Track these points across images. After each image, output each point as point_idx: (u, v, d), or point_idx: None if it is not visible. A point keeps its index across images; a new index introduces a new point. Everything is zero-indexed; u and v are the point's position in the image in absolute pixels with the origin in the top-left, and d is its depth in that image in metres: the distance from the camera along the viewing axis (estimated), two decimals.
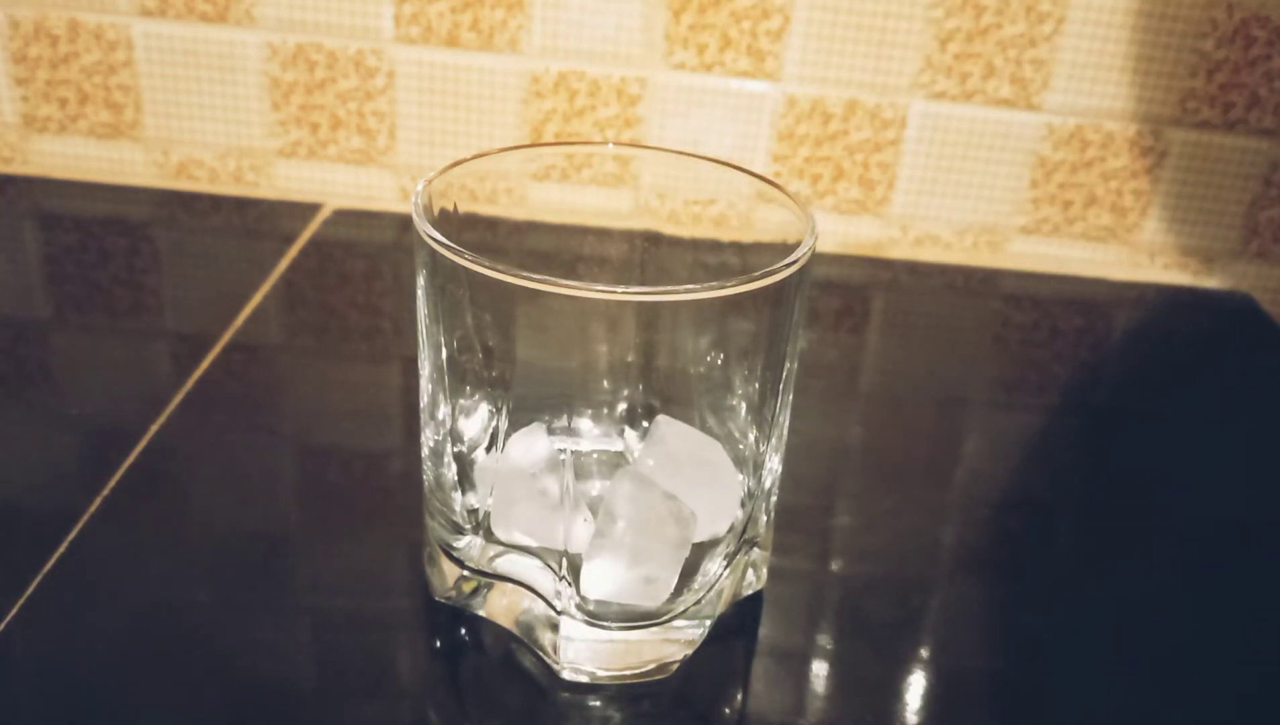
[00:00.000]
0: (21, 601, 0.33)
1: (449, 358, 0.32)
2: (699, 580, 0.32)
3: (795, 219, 0.32)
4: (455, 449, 0.33)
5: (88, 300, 0.51)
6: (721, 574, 0.33)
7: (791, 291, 0.30)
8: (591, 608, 0.31)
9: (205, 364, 0.45)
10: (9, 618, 0.33)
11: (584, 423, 0.36)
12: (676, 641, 0.32)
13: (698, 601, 0.32)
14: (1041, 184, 0.58)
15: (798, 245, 0.30)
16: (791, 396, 0.33)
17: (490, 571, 0.33)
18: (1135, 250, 0.60)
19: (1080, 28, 0.55)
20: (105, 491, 0.38)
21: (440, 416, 0.32)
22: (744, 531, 0.33)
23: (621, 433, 0.36)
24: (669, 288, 0.28)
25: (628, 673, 0.32)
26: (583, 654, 0.32)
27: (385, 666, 0.33)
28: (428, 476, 0.33)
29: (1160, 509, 0.42)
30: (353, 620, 0.34)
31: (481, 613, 0.34)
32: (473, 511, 0.33)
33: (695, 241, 0.37)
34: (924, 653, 0.35)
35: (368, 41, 0.57)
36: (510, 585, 0.33)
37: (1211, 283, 0.60)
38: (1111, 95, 0.56)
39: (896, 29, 0.55)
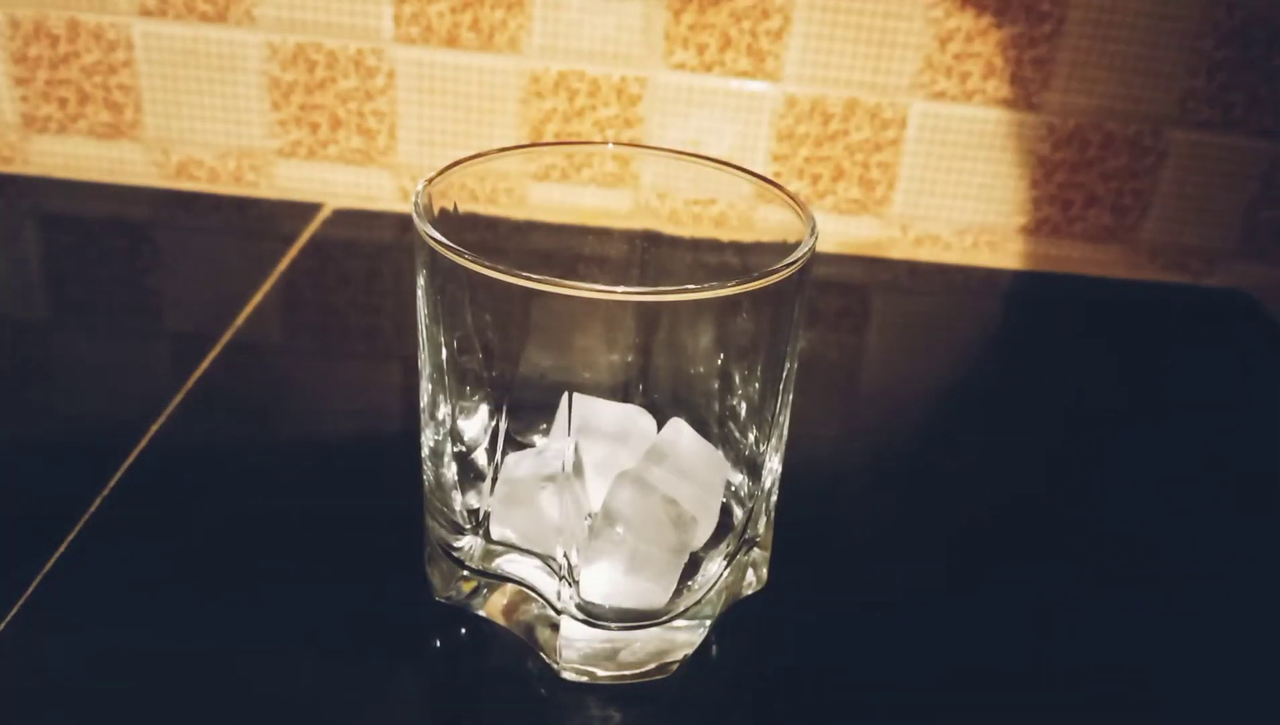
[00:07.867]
0: (22, 601, 0.33)
1: (449, 358, 0.32)
2: (699, 580, 0.32)
3: (795, 219, 0.32)
4: (455, 449, 0.33)
5: (88, 300, 0.51)
6: (721, 574, 0.33)
7: (791, 291, 0.30)
8: (591, 608, 0.31)
9: (205, 364, 0.45)
10: (9, 618, 0.33)
11: None
12: (676, 642, 0.32)
13: (698, 601, 0.32)
14: (1041, 184, 0.58)
15: (798, 245, 0.30)
16: (791, 396, 0.33)
17: (490, 571, 0.33)
18: (1135, 250, 0.60)
19: (1080, 28, 0.55)
20: (105, 491, 0.38)
21: (440, 416, 0.32)
22: (744, 531, 0.33)
23: None
24: (669, 288, 0.28)
25: (628, 673, 0.32)
26: (583, 654, 0.32)
27: (385, 667, 0.33)
28: (428, 476, 0.33)
29: (1160, 509, 0.42)
30: (353, 620, 0.34)
31: (481, 613, 0.34)
32: (473, 511, 0.33)
33: (695, 241, 0.37)
34: (923, 652, 0.35)
35: (368, 41, 0.57)
36: (510, 585, 0.33)
37: (1211, 283, 0.60)
38: (1111, 95, 0.56)
39: (896, 29, 0.55)
